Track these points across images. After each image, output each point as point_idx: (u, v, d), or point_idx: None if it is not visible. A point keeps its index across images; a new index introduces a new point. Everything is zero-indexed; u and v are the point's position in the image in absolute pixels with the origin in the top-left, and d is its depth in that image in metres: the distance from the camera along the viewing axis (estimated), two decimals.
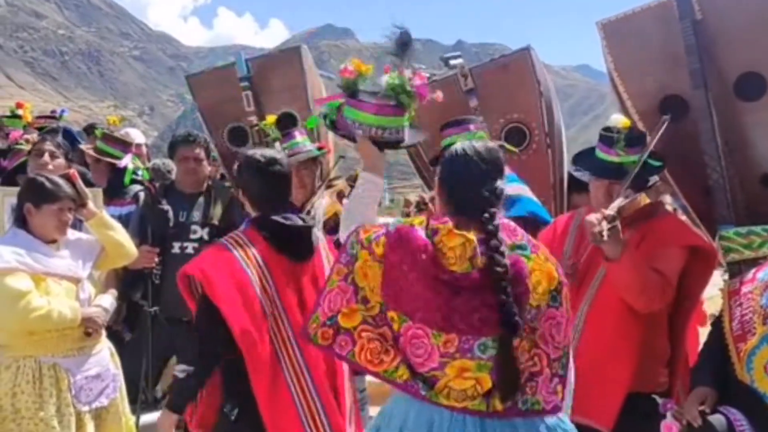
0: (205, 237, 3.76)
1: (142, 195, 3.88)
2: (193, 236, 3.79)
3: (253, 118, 4.44)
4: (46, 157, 3.84)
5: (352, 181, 4.21)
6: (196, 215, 3.82)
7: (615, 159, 2.88)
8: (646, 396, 2.67)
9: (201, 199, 3.88)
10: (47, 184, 3.00)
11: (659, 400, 2.53)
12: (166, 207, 3.76)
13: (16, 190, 3.65)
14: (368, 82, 2.35)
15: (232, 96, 4.49)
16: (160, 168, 3.70)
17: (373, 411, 4.97)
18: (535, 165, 4.22)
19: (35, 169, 3.74)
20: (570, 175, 3.71)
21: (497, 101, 4.30)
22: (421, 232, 1.95)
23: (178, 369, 2.57)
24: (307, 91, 4.45)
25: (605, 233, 2.52)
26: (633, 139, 2.90)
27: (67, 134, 4.93)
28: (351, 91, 2.32)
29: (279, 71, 4.51)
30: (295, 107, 4.41)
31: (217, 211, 3.85)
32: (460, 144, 2.13)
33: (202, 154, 3.90)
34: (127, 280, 3.72)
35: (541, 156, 4.26)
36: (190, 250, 3.77)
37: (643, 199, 2.91)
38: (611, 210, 2.61)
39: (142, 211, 3.81)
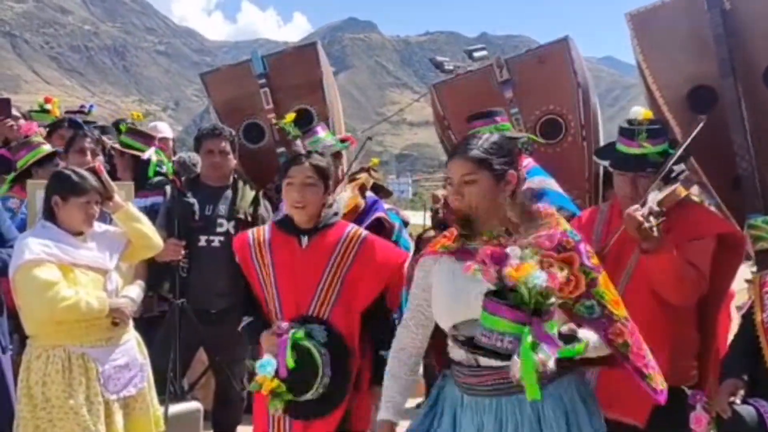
0: (231, 230, 3.79)
1: (168, 188, 3.92)
2: (219, 229, 3.81)
3: (272, 116, 4.46)
4: (89, 156, 3.89)
5: (369, 172, 4.21)
6: (222, 208, 3.85)
7: (637, 151, 2.85)
8: (676, 389, 2.64)
9: (227, 193, 3.90)
10: (74, 177, 3.04)
11: (689, 392, 2.51)
12: (192, 200, 3.79)
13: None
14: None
15: (247, 93, 4.51)
16: (186, 161, 3.73)
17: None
18: (571, 157, 4.20)
19: (78, 166, 3.77)
20: (605, 168, 3.68)
21: (533, 93, 4.29)
22: None
23: (386, 354, 2.58)
24: (323, 86, 4.46)
25: (655, 229, 2.49)
26: (655, 130, 2.87)
27: (73, 124, 4.98)
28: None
29: (295, 68, 4.53)
30: (312, 103, 4.43)
31: (243, 204, 3.88)
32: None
33: (228, 147, 3.90)
34: (154, 273, 3.77)
35: (577, 148, 4.23)
36: (216, 243, 3.80)
37: (681, 190, 2.86)
38: (653, 203, 2.58)
39: (169, 205, 3.84)
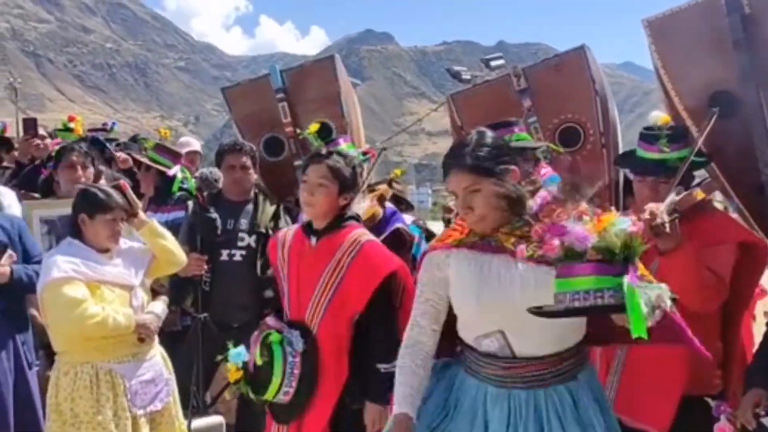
0: (252, 244, 3.82)
1: (190, 203, 3.96)
2: (240, 243, 3.85)
3: (290, 129, 4.50)
4: (79, 170, 3.89)
5: (390, 184, 4.22)
6: (244, 223, 3.88)
7: (657, 156, 2.83)
8: (698, 398, 2.62)
9: (248, 207, 3.93)
10: (100, 195, 3.09)
11: (712, 403, 2.48)
12: (214, 215, 3.83)
13: (43, 203, 3.77)
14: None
15: (267, 107, 4.55)
16: (208, 177, 3.78)
17: None
18: (590, 165, 4.16)
19: (69, 182, 3.81)
20: (625, 177, 3.65)
21: (551, 101, 4.25)
22: None
23: (383, 367, 2.66)
24: (341, 99, 4.49)
25: (667, 225, 2.45)
26: (675, 135, 2.86)
27: (96, 142, 5.05)
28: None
29: (313, 81, 4.56)
30: (330, 116, 4.46)
31: (264, 218, 3.91)
32: None
33: (249, 162, 3.94)
34: (176, 288, 3.81)
35: (596, 156, 4.19)
36: (238, 258, 3.83)
37: (698, 194, 2.83)
38: (669, 204, 2.55)
39: (191, 220, 3.88)
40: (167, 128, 5.47)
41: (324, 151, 2.88)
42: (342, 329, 2.76)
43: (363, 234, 2.85)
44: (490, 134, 2.14)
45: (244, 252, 3.82)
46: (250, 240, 3.84)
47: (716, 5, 3.14)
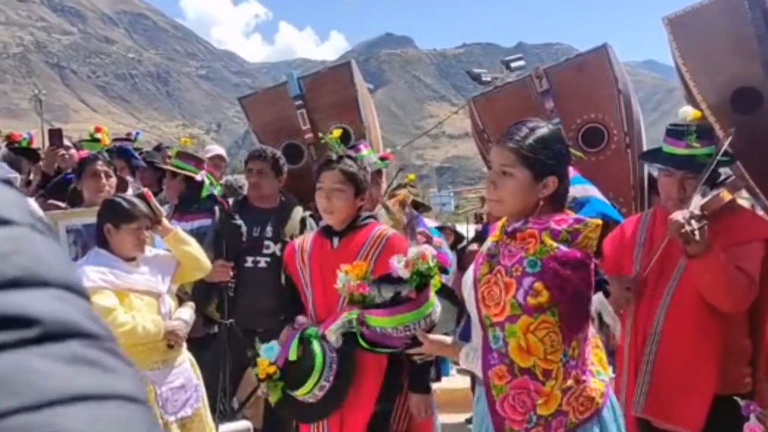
0: (278, 252, 3.83)
1: (217, 209, 4.00)
2: (266, 251, 3.87)
3: (309, 136, 4.52)
4: (103, 179, 3.93)
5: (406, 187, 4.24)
6: (270, 231, 3.90)
7: (686, 151, 2.79)
8: (728, 398, 2.58)
9: (275, 216, 3.95)
10: (125, 204, 3.13)
11: (741, 403, 2.44)
12: (239, 222, 3.86)
13: (67, 212, 3.82)
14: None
15: (285, 114, 4.58)
16: (232, 184, 3.83)
17: (444, 418, 4.96)
18: (615, 165, 4.14)
19: (92, 191, 3.86)
20: (650, 176, 3.62)
21: (573, 102, 4.23)
22: (564, 248, 1.96)
23: (419, 358, 2.74)
24: (359, 105, 4.50)
25: (697, 233, 2.42)
26: (704, 131, 2.82)
27: (124, 152, 5.12)
28: (362, 304, 2.35)
29: (330, 87, 4.58)
30: (348, 121, 4.47)
31: (290, 227, 3.93)
32: None
33: (267, 169, 3.94)
34: (201, 294, 3.84)
35: (621, 156, 4.17)
36: (262, 264, 3.86)
37: (726, 195, 2.80)
38: (696, 208, 2.51)
39: (217, 226, 3.92)
40: (189, 136, 5.54)
41: (334, 156, 2.89)
42: None
43: (387, 229, 2.90)
44: (553, 130, 2.11)
45: (269, 259, 3.84)
46: (276, 248, 3.86)
47: (738, 1, 3.11)
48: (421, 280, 2.30)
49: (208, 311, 3.97)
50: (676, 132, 2.84)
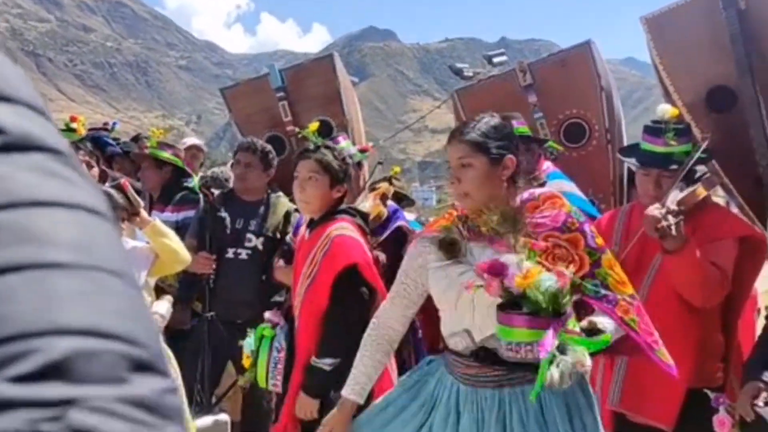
0: (259, 247, 3.84)
1: (201, 201, 3.98)
2: (247, 244, 3.86)
3: (292, 128, 4.52)
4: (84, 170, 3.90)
5: (390, 181, 4.23)
6: (253, 224, 3.89)
7: (663, 149, 2.84)
8: (699, 391, 2.64)
9: (260, 209, 3.94)
10: None
11: (711, 395, 2.50)
12: (224, 215, 3.85)
13: None
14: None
15: (267, 106, 4.58)
16: (219, 176, 3.81)
17: None
18: (596, 161, 4.18)
19: None
20: (629, 171, 3.66)
21: (556, 97, 4.26)
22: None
23: (313, 361, 2.71)
24: (341, 97, 4.51)
25: (674, 228, 2.48)
26: (681, 129, 2.87)
27: (97, 141, 5.06)
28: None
29: (313, 80, 4.58)
30: (331, 114, 4.47)
31: (273, 221, 3.92)
32: None
33: (254, 161, 3.91)
34: (186, 286, 3.84)
35: (602, 151, 4.21)
36: (243, 256, 3.85)
37: (701, 191, 2.85)
38: (673, 204, 2.56)
39: (201, 216, 3.91)
40: (169, 127, 5.49)
41: (311, 146, 2.90)
42: (315, 325, 2.74)
43: (340, 228, 2.80)
44: (497, 119, 2.17)
45: (250, 252, 3.84)
46: (257, 242, 3.86)
47: (712, 1, 3.16)
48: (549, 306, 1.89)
49: (193, 304, 3.96)
50: (654, 129, 2.89)
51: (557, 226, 2.01)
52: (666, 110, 2.90)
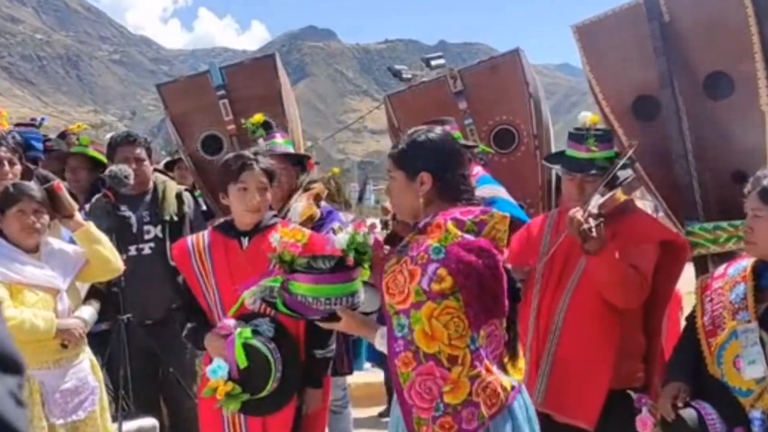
0: (159, 234, 3.76)
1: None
2: (147, 236, 3.77)
3: (232, 127, 4.45)
4: (6, 166, 3.73)
5: (328, 183, 4.22)
6: (146, 215, 3.80)
7: (585, 155, 2.92)
8: (622, 392, 2.71)
9: (147, 198, 3.85)
10: (10, 189, 2.97)
11: (634, 396, 2.58)
12: (128, 213, 3.75)
13: None
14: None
15: (206, 104, 4.48)
16: (117, 174, 3.60)
17: (358, 413, 4.98)
18: (524, 166, 4.25)
19: None
20: (557, 176, 3.75)
21: (486, 103, 4.31)
22: (469, 237, 2.02)
23: (318, 353, 2.84)
24: (282, 98, 4.47)
25: (594, 230, 2.56)
26: (602, 135, 2.97)
27: (25, 143, 4.82)
28: (290, 267, 2.26)
29: (254, 79, 4.51)
30: (271, 114, 4.43)
31: (166, 205, 3.83)
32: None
33: (143, 154, 3.85)
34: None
35: (530, 157, 4.28)
36: (146, 251, 3.76)
37: (620, 195, 2.95)
38: (594, 207, 2.64)
39: (99, 220, 3.61)
40: (101, 123, 5.28)
41: (250, 154, 2.86)
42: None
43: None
44: (430, 136, 2.19)
45: (152, 244, 3.75)
46: (156, 231, 3.77)
47: (639, 13, 3.26)
48: (356, 256, 2.20)
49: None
50: (577, 136, 2.97)
51: (413, 254, 2.04)
52: (587, 117, 3.00)
